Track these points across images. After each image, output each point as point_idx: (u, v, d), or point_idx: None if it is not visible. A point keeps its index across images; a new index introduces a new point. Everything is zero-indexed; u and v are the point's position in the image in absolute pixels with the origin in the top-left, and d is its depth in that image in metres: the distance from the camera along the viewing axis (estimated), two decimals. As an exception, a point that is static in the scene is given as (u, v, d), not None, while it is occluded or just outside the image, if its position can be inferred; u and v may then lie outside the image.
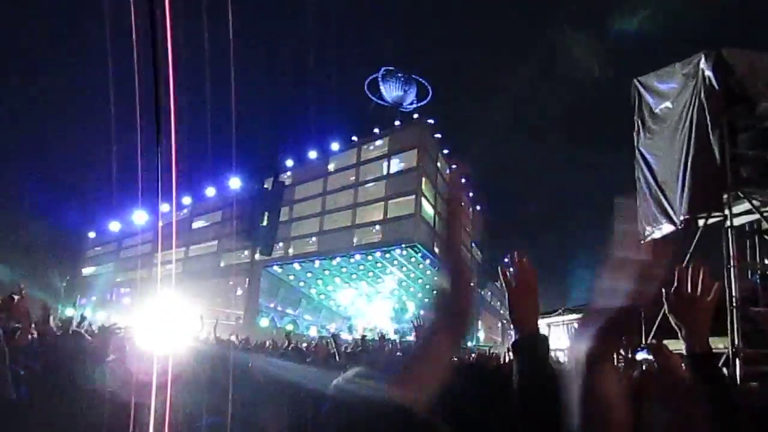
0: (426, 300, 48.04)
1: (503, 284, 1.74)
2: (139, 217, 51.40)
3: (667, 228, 9.92)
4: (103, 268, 61.58)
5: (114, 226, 55.52)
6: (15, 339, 3.75)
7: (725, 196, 8.88)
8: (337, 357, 7.95)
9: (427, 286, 47.13)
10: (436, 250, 43.64)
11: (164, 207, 51.91)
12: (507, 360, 8.75)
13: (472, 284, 1.05)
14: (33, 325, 5.09)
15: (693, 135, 9.10)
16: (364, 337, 11.45)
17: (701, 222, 9.43)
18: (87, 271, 63.15)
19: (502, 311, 59.27)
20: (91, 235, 62.62)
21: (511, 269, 1.79)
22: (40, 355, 4.28)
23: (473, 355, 10.47)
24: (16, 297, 5.27)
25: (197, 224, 52.67)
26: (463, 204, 1.07)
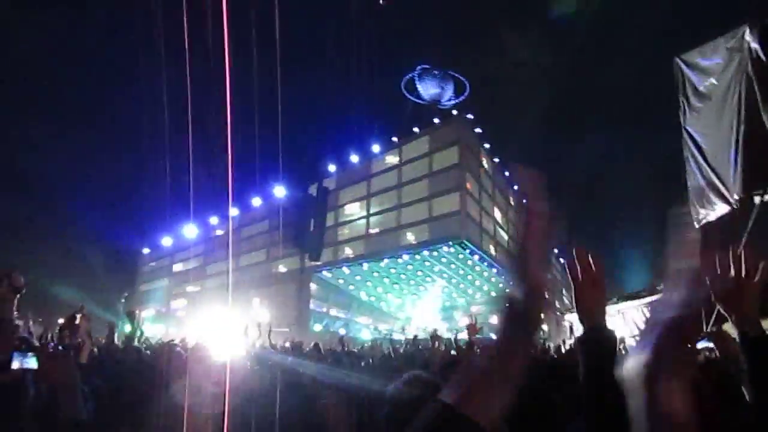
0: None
1: (570, 278, 1.76)
2: (190, 231, 52.72)
3: (721, 208, 9.63)
4: (158, 282, 63.30)
5: (166, 241, 57.13)
6: (78, 356, 3.89)
7: (775, 173, 8.59)
8: (392, 357, 7.99)
9: (477, 282, 46.86)
10: (484, 244, 43.33)
11: (212, 220, 53.09)
12: (562, 351, 8.62)
13: (547, 299, 1.00)
14: (95, 344, 5.28)
15: (742, 110, 8.82)
16: (415, 336, 11.44)
17: (757, 199, 9.12)
18: (144, 287, 65.04)
19: (556, 304, 58.43)
20: (146, 251, 64.45)
21: (576, 262, 1.79)
22: (104, 372, 4.44)
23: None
24: (78, 316, 5.48)
25: (246, 234, 53.58)
26: (541, 213, 1.02)
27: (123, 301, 35.89)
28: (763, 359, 1.64)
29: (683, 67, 10.59)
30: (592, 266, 1.74)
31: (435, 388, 1.96)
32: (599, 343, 1.51)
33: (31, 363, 2.79)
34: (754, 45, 8.76)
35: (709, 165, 9.81)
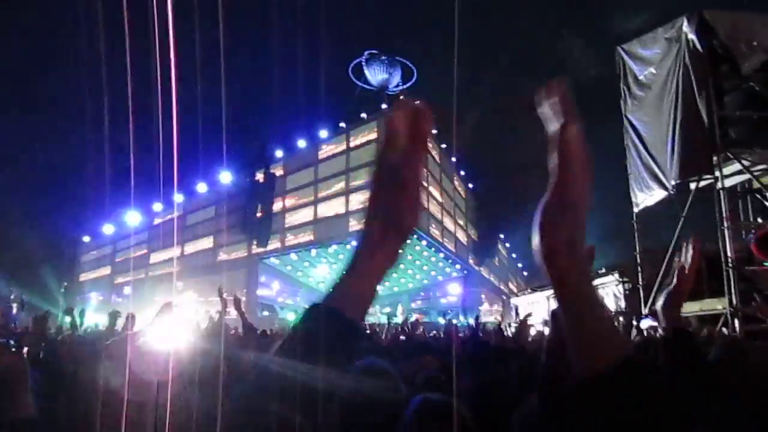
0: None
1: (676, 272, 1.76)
2: (133, 218, 51.33)
3: (659, 194, 9.99)
4: (100, 271, 61.44)
5: (108, 229, 55.42)
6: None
7: (715, 158, 8.94)
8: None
9: (425, 267, 47.34)
10: (432, 229, 43.74)
11: (156, 206, 51.84)
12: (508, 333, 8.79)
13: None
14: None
15: (680, 99, 9.13)
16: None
17: (693, 185, 9.49)
18: (84, 276, 63.02)
19: (501, 287, 59.64)
20: (86, 239, 62.38)
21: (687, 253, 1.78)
22: (41, 363, 4.28)
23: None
24: (14, 306, 5.27)
25: (191, 221, 52.53)
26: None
27: (63, 291, 34.71)
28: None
29: (624, 56, 10.88)
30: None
31: (389, 377, 1.97)
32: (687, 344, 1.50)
33: None
34: (692, 36, 9.07)
35: (648, 152, 10.13)
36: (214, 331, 6.32)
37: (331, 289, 0.78)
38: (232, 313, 7.01)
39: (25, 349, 3.82)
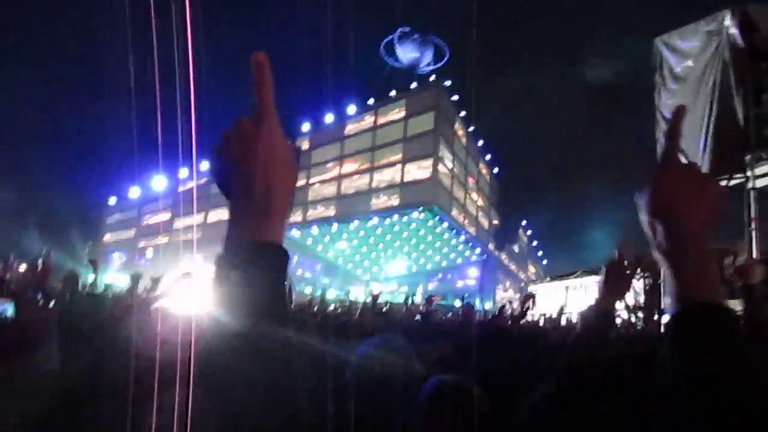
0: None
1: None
2: (159, 182, 51.94)
3: (687, 190, 9.83)
4: (124, 233, 62.42)
5: (134, 192, 56.20)
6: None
7: (747, 157, 8.76)
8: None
9: (444, 249, 47.30)
10: (453, 212, 43.61)
11: (183, 173, 52.43)
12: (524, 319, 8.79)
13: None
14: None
15: (716, 94, 8.94)
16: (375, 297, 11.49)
17: (723, 183, 9.32)
18: (109, 237, 64.08)
19: (519, 274, 59.47)
20: (112, 201, 63.32)
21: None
22: (63, 323, 4.34)
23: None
24: (40, 262, 5.36)
25: (215, 190, 52.75)
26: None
27: (87, 250, 35.33)
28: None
29: (662, 48, 10.64)
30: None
31: (406, 353, 1.99)
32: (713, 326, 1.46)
33: (8, 310, 2.67)
34: (733, 30, 8.84)
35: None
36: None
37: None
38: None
39: (52, 303, 3.88)
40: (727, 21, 8.94)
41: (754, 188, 8.77)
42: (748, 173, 8.80)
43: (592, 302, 1.91)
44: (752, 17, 8.71)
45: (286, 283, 0.78)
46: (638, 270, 2.01)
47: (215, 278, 0.76)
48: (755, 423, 0.73)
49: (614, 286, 1.86)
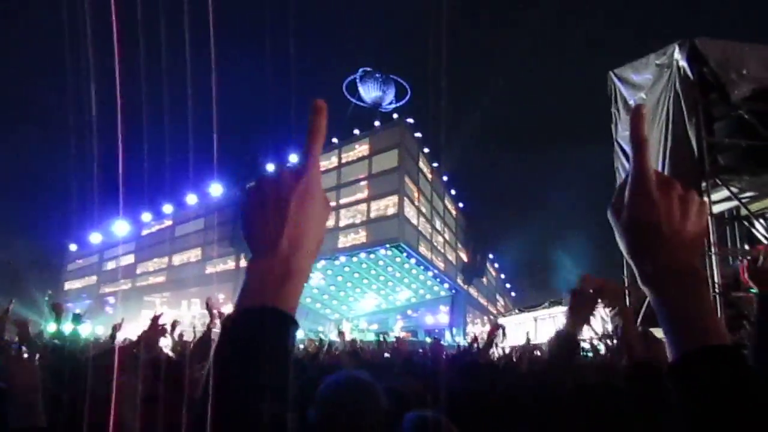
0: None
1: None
2: (120, 227, 51.06)
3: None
4: (86, 280, 60.97)
5: (95, 237, 55.06)
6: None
7: (704, 184, 8.99)
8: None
9: (413, 285, 47.23)
10: (421, 248, 43.69)
11: (145, 216, 51.63)
12: (498, 354, 8.76)
13: None
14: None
15: (670, 125, 9.21)
16: (354, 340, 11.39)
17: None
18: (69, 284, 62.48)
19: (489, 307, 59.61)
20: (73, 247, 61.91)
21: None
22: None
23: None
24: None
25: (180, 233, 52.32)
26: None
27: (47, 299, 34.29)
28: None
29: (616, 81, 10.98)
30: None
31: (371, 390, 1.93)
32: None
33: None
34: (683, 63, 9.17)
35: (637, 176, 10.20)
36: (203, 343, 6.23)
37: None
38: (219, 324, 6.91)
39: (37, 357, 3.73)
40: (677, 54, 9.27)
41: (711, 214, 8.99)
42: (705, 199, 9.02)
43: (558, 329, 1.94)
44: (700, 50, 9.05)
45: (289, 355, 0.72)
46: (603, 300, 2.02)
47: (224, 336, 0.72)
48: None
49: (578, 313, 1.89)
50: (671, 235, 0.76)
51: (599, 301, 1.93)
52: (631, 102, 10.50)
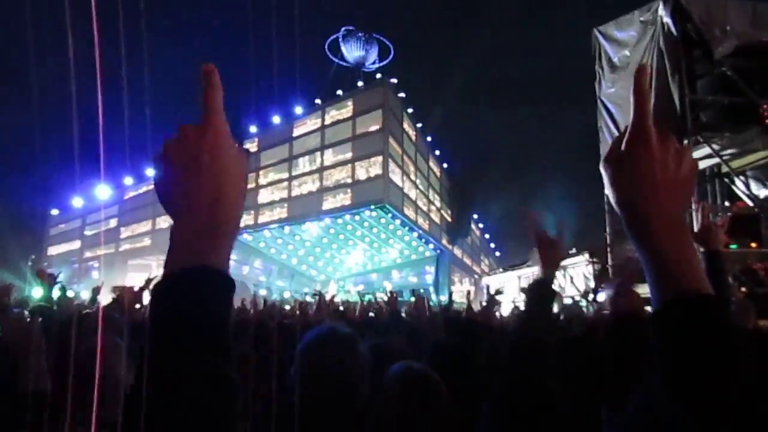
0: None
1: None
2: (102, 191, 50.54)
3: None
4: (69, 245, 60.55)
5: (77, 201, 54.52)
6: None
7: (685, 141, 9.06)
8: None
9: (398, 246, 47.47)
10: (406, 209, 43.78)
11: (127, 180, 51.09)
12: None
13: None
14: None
15: (653, 81, 9.21)
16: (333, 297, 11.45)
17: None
18: (53, 249, 62.06)
19: (474, 267, 60.20)
20: (54, 212, 61.30)
21: None
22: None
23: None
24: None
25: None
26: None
27: (30, 264, 34.08)
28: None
29: (600, 38, 10.92)
30: None
31: (351, 341, 1.96)
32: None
33: None
34: (667, 19, 9.13)
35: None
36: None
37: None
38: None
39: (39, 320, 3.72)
40: (661, 10, 9.22)
41: (693, 171, 9.09)
42: (695, 156, 9.11)
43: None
44: (684, 6, 9.01)
45: (228, 312, 0.72)
46: (589, 256, 2.05)
47: (154, 304, 0.70)
48: (752, 417, 0.70)
49: (547, 256, 1.86)
50: (664, 185, 0.78)
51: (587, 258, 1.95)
52: (615, 59, 10.48)
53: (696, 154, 9.25)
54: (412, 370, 1.80)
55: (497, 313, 9.68)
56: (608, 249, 11.54)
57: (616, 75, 10.46)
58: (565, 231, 1.98)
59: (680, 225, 0.78)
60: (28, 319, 3.58)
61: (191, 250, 0.72)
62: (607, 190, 0.84)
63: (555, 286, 1.89)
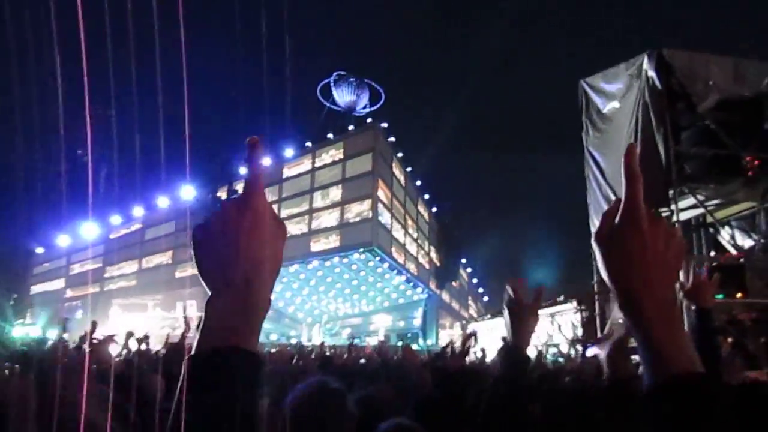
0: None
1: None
2: (88, 230, 50.18)
3: (617, 224, 10.18)
4: (53, 283, 59.80)
5: (62, 240, 54.06)
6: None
7: (671, 192, 9.19)
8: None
9: (386, 290, 47.24)
10: (394, 252, 43.72)
11: (114, 219, 50.76)
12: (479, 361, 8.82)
13: None
14: None
15: (639, 133, 9.39)
16: (322, 343, 11.39)
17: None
18: (36, 288, 61.22)
19: (461, 312, 59.87)
20: (39, 250, 60.67)
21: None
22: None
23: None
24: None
25: (150, 235, 51.65)
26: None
27: (12, 303, 33.51)
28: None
29: (588, 89, 11.15)
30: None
31: (338, 396, 1.96)
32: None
33: None
34: (651, 73, 9.36)
35: (607, 183, 10.37)
36: (177, 352, 6.19)
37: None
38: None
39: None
40: (646, 64, 9.47)
41: (678, 221, 9.20)
42: (672, 207, 9.23)
43: (501, 344, 1.84)
44: (668, 60, 9.25)
45: (257, 391, 0.73)
46: (578, 304, 2.06)
47: (188, 380, 0.70)
48: None
49: (521, 324, 1.80)
50: (654, 266, 0.80)
51: (538, 308, 1.87)
52: (605, 111, 10.69)
53: (681, 204, 9.40)
54: (402, 428, 1.80)
55: (484, 359, 9.64)
56: (596, 297, 11.58)
57: (604, 126, 10.66)
58: (540, 298, 1.94)
59: (670, 306, 0.81)
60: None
61: (225, 328, 0.74)
62: (599, 266, 0.86)
63: (531, 348, 1.83)
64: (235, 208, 0.78)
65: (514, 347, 1.77)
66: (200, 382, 0.70)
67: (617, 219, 0.83)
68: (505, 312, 1.81)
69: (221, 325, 0.74)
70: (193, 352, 0.73)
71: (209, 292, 0.77)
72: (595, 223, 11.00)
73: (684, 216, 9.70)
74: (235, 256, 0.76)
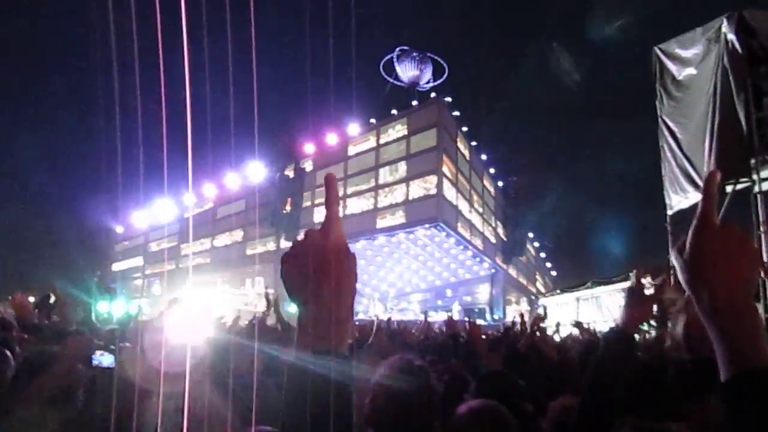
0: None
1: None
2: (165, 210, 52.31)
3: (694, 197, 9.83)
4: (132, 261, 62.81)
5: (140, 221, 56.63)
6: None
7: (752, 161, 8.78)
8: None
9: (452, 265, 47.21)
10: (459, 227, 43.55)
11: (187, 199, 52.58)
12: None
13: None
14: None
15: (718, 100, 8.97)
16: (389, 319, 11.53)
17: (729, 188, 9.32)
18: (117, 265, 64.46)
19: (529, 287, 59.26)
20: (119, 229, 63.77)
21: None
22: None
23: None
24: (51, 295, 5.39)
25: (222, 214, 53.31)
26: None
27: (96, 279, 35.42)
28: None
29: (662, 56, 10.71)
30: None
31: (425, 376, 2.02)
32: None
33: (107, 361, 2.69)
34: (731, 36, 8.90)
35: (683, 154, 9.98)
36: (252, 329, 6.48)
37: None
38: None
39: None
40: (725, 27, 9.00)
41: (760, 192, 8.78)
42: (754, 177, 8.81)
43: (613, 324, 1.95)
44: (749, 22, 8.77)
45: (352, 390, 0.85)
46: (663, 291, 2.07)
47: (290, 376, 0.85)
48: None
49: (636, 310, 1.90)
50: (728, 274, 0.88)
51: (659, 299, 1.95)
52: (680, 77, 10.26)
53: (764, 174, 8.94)
54: (487, 409, 1.86)
55: (555, 336, 9.54)
56: (671, 271, 11.23)
57: (680, 93, 10.22)
58: (662, 292, 2.05)
59: (747, 310, 0.87)
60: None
61: (319, 336, 0.86)
62: (680, 276, 0.95)
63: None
64: (320, 235, 0.92)
65: (620, 330, 1.87)
66: (307, 379, 0.83)
67: (690, 231, 0.93)
68: (625, 296, 1.94)
69: (316, 333, 0.86)
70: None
71: (299, 306, 0.91)
72: (670, 196, 10.64)
73: (767, 186, 9.24)
74: (325, 275, 0.89)
